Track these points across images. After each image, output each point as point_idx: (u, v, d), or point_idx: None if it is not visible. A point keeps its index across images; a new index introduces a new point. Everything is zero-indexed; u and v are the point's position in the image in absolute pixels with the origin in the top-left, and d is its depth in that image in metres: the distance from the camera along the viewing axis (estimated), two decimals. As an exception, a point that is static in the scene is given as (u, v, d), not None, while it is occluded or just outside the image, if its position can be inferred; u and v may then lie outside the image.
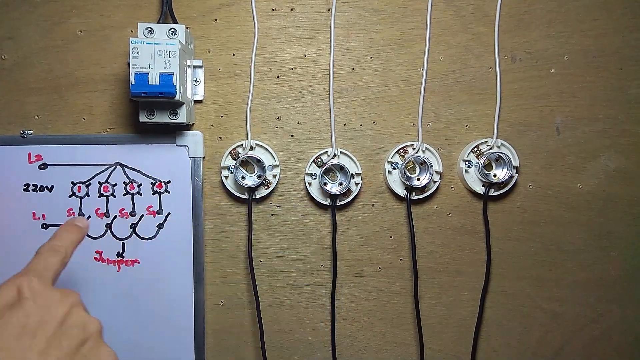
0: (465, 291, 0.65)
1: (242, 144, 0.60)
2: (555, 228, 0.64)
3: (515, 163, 0.61)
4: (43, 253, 0.39)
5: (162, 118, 0.56)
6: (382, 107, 0.62)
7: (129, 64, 0.51)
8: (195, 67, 0.60)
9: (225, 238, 0.63)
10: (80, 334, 0.35)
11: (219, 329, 0.63)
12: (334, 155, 0.61)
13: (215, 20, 0.60)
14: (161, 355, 0.61)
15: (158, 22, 0.55)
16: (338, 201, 0.62)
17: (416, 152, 0.61)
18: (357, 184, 0.61)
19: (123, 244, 0.60)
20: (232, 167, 0.60)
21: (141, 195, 0.60)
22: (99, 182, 0.60)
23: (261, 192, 0.61)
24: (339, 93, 0.62)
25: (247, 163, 0.61)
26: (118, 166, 0.60)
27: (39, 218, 0.59)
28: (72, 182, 0.59)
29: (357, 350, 0.65)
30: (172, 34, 0.53)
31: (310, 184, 0.61)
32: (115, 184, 0.60)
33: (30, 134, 0.59)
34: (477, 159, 0.61)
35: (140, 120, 0.56)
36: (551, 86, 0.63)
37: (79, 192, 0.60)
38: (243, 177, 0.61)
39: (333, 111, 0.61)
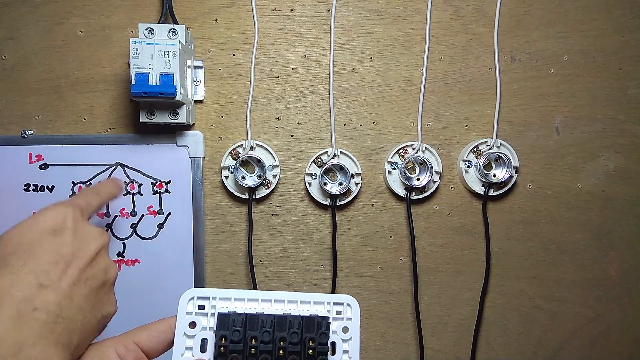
0: (465, 291, 0.65)
1: (242, 144, 0.60)
2: (554, 228, 0.64)
3: (515, 163, 0.61)
4: (87, 192, 0.41)
5: (163, 118, 0.56)
6: (382, 107, 0.62)
7: (129, 64, 0.51)
8: (195, 67, 0.60)
9: (225, 238, 0.63)
10: (102, 276, 0.37)
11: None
12: (334, 155, 0.61)
13: (216, 20, 0.60)
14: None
15: (158, 23, 0.55)
16: (338, 201, 0.62)
17: (416, 152, 0.61)
18: (357, 184, 0.61)
19: (123, 243, 0.60)
20: (233, 167, 0.60)
21: (142, 195, 0.60)
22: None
23: (261, 192, 0.61)
24: (339, 93, 0.62)
25: (247, 163, 0.61)
26: (118, 166, 0.60)
27: (40, 218, 0.59)
28: (73, 182, 0.59)
29: (357, 349, 0.65)
30: (172, 34, 0.54)
31: (310, 184, 0.62)
32: (116, 184, 0.60)
33: (31, 134, 0.60)
34: (477, 159, 0.62)
35: (141, 120, 0.56)
36: (551, 86, 0.63)
37: (80, 192, 0.60)
38: (243, 177, 0.61)
39: (333, 111, 0.61)
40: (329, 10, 0.61)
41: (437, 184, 0.62)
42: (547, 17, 0.62)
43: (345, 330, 0.40)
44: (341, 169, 0.62)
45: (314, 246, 0.63)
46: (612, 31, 0.63)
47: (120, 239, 0.60)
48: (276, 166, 0.61)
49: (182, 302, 0.39)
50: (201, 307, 0.39)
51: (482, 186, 0.62)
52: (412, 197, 0.62)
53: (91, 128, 0.60)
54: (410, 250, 0.63)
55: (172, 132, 0.60)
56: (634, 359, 0.67)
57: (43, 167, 0.59)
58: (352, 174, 0.60)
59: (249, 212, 0.61)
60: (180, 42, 0.52)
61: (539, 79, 0.63)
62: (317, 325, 0.39)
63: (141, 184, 0.60)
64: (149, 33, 0.53)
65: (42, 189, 0.59)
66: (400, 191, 0.62)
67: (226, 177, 0.61)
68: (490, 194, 0.62)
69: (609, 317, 0.66)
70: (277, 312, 0.39)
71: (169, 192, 0.60)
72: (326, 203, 0.62)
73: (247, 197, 0.61)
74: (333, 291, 0.63)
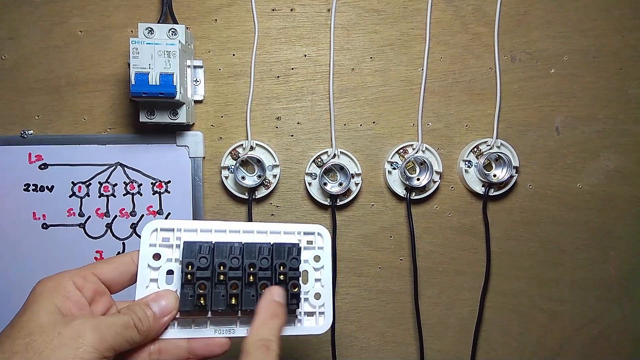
0: (465, 291, 0.65)
1: (242, 144, 0.60)
2: (554, 228, 0.64)
3: (515, 163, 0.61)
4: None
5: (162, 118, 0.56)
6: (382, 107, 0.62)
7: (129, 64, 0.51)
8: (195, 67, 0.60)
9: (226, 238, 0.63)
10: None
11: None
12: (334, 155, 0.61)
13: (216, 20, 0.60)
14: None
15: (158, 22, 0.55)
16: (338, 201, 0.62)
17: (416, 152, 0.61)
18: (357, 184, 0.61)
19: (123, 243, 0.60)
20: (232, 167, 0.60)
21: (141, 195, 0.60)
22: (99, 182, 0.60)
23: (261, 192, 0.61)
24: (339, 93, 0.62)
25: (247, 163, 0.61)
26: (118, 166, 0.60)
27: (39, 218, 0.59)
28: (73, 182, 0.59)
29: (357, 350, 0.65)
30: (172, 34, 0.54)
31: (310, 184, 0.61)
32: (116, 184, 0.60)
33: (31, 134, 0.59)
34: (477, 159, 0.62)
35: (141, 120, 0.56)
36: (551, 86, 0.63)
37: (79, 192, 0.60)
38: (243, 177, 0.61)
39: (333, 111, 0.61)
40: (329, 10, 0.61)
41: (437, 184, 0.62)
42: (547, 17, 0.62)
43: (317, 259, 0.39)
44: (341, 169, 0.61)
45: (314, 246, 0.63)
46: (612, 31, 0.62)
47: (120, 239, 0.60)
48: (276, 166, 0.61)
49: (144, 233, 0.38)
50: (166, 240, 0.38)
51: (483, 186, 0.62)
52: (412, 197, 0.62)
53: (91, 128, 0.60)
54: (411, 250, 0.63)
55: (172, 132, 0.60)
56: (633, 359, 0.67)
57: (43, 167, 0.59)
58: (352, 174, 0.60)
59: (248, 212, 0.61)
60: (180, 41, 0.52)
61: (539, 78, 0.62)
62: (288, 251, 0.38)
63: (141, 184, 0.60)
64: (148, 33, 0.53)
65: (42, 189, 0.59)
66: (401, 191, 0.62)
67: (226, 177, 0.61)
68: (491, 194, 0.62)
69: (608, 317, 0.66)
70: (246, 240, 0.38)
71: (169, 192, 0.60)
72: (326, 203, 0.62)
73: (247, 197, 0.61)
74: (333, 291, 0.63)
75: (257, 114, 0.61)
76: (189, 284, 0.36)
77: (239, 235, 0.39)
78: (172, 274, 0.38)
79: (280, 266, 0.37)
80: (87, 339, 0.31)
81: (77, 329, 0.31)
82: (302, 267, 0.38)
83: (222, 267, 0.36)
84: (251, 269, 0.37)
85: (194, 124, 0.61)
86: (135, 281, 0.37)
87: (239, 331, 0.38)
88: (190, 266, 0.36)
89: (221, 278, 0.36)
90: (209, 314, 0.37)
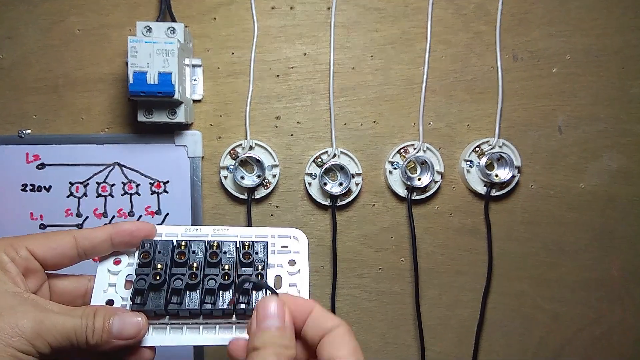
0: (467, 292, 0.64)
1: (241, 144, 0.60)
2: (556, 228, 0.64)
3: (517, 163, 0.61)
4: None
5: (161, 117, 0.55)
6: (382, 106, 0.62)
7: (127, 63, 0.51)
8: (194, 66, 0.59)
9: (225, 238, 0.62)
10: None
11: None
12: (334, 155, 0.61)
13: (215, 18, 0.60)
14: (161, 354, 0.61)
15: (157, 21, 0.55)
16: (338, 201, 0.61)
17: (417, 152, 0.61)
18: (357, 184, 0.61)
19: (121, 244, 0.60)
20: (231, 167, 0.60)
21: (139, 195, 0.60)
22: (97, 182, 0.59)
23: (261, 192, 0.61)
24: (339, 92, 0.61)
25: (247, 163, 0.61)
26: (116, 166, 0.59)
27: (37, 218, 0.59)
28: (70, 182, 0.59)
29: (357, 351, 0.65)
30: (170, 32, 0.53)
31: (310, 184, 0.61)
32: (114, 184, 0.59)
33: (28, 133, 0.59)
34: (479, 158, 0.61)
35: (139, 119, 0.55)
36: (553, 85, 0.62)
37: (77, 192, 0.59)
38: (242, 177, 0.60)
39: (333, 110, 0.61)
40: (329, 9, 0.60)
41: (438, 184, 0.61)
42: (549, 16, 0.62)
43: (291, 263, 0.37)
44: (341, 168, 0.61)
45: (314, 247, 0.63)
46: (614, 30, 0.62)
47: (118, 239, 0.60)
48: (275, 166, 0.60)
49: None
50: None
51: (484, 186, 0.62)
52: (413, 197, 0.62)
53: (89, 127, 0.60)
54: (411, 250, 0.62)
55: (171, 132, 0.59)
56: (636, 360, 0.67)
57: (40, 166, 0.59)
58: (352, 174, 0.60)
59: (248, 212, 0.61)
60: (178, 40, 0.52)
61: (541, 78, 0.62)
62: (252, 245, 0.36)
63: (139, 184, 0.59)
64: (147, 31, 0.53)
65: (40, 189, 0.59)
66: (401, 191, 0.62)
67: (225, 177, 0.60)
68: (492, 194, 0.62)
69: (610, 318, 0.66)
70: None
71: (167, 192, 0.60)
72: (326, 203, 0.61)
73: (246, 197, 0.60)
74: (333, 292, 0.63)
75: (257, 113, 0.61)
76: (145, 266, 0.35)
77: (207, 238, 0.38)
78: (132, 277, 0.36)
79: (245, 255, 0.36)
80: (25, 331, 0.29)
81: (17, 316, 0.29)
82: (275, 271, 0.37)
83: (181, 257, 0.35)
84: (214, 258, 0.35)
85: (192, 123, 0.60)
86: (73, 263, 0.35)
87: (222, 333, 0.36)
88: (145, 254, 0.35)
89: (179, 260, 0.35)
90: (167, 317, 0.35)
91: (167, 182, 0.60)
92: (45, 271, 0.35)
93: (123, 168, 0.59)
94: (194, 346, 0.60)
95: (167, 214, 0.60)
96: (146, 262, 0.35)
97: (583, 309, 0.66)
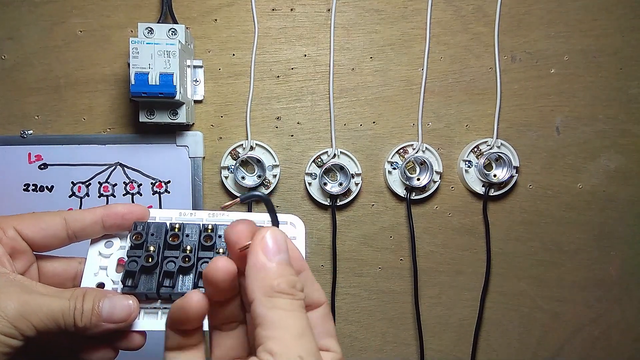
0: (466, 291, 0.65)
1: (242, 144, 0.60)
2: (555, 228, 0.64)
3: (515, 163, 0.61)
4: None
5: (162, 118, 0.56)
6: (382, 107, 0.62)
7: (129, 64, 0.51)
8: (195, 67, 0.60)
9: (225, 238, 0.62)
10: None
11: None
12: (334, 155, 0.61)
13: (215, 20, 0.60)
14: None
15: (158, 22, 0.55)
16: (338, 201, 0.61)
17: (416, 152, 0.61)
18: (357, 184, 0.61)
19: (123, 244, 0.60)
20: (232, 167, 0.60)
21: (141, 195, 0.60)
22: (99, 182, 0.60)
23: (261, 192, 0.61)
24: (339, 93, 0.62)
25: (247, 163, 0.61)
26: (118, 166, 0.60)
27: (39, 218, 0.59)
28: (72, 182, 0.59)
29: (357, 350, 0.65)
30: (172, 34, 0.53)
31: (310, 184, 0.61)
32: (115, 184, 0.60)
33: (30, 134, 0.59)
34: (477, 159, 0.61)
35: (140, 120, 0.56)
36: (551, 86, 0.63)
37: (79, 192, 0.60)
38: (243, 177, 0.61)
39: (333, 111, 0.61)
40: (329, 10, 0.61)
41: (437, 184, 0.62)
42: (547, 17, 0.62)
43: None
44: (341, 169, 0.61)
45: (314, 246, 0.63)
46: (612, 31, 0.62)
47: (119, 239, 0.60)
48: (276, 166, 0.60)
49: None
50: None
51: (483, 186, 0.62)
52: (412, 197, 0.62)
53: (91, 128, 0.60)
54: (411, 250, 0.62)
55: (172, 132, 0.60)
56: (634, 359, 0.67)
57: (42, 167, 0.59)
58: (352, 174, 0.60)
59: (249, 212, 0.61)
60: (179, 41, 0.52)
61: (540, 78, 0.62)
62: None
63: (141, 184, 0.60)
64: (148, 33, 0.53)
65: (42, 189, 0.59)
66: (401, 191, 0.62)
67: (226, 177, 0.60)
68: (491, 194, 0.62)
69: (609, 318, 0.66)
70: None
71: (169, 192, 0.60)
72: (326, 203, 0.62)
73: (247, 197, 0.61)
74: (333, 292, 0.63)
75: (257, 114, 0.61)
76: (137, 248, 0.34)
77: (202, 222, 0.36)
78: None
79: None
80: (8, 313, 0.28)
81: (0, 297, 0.28)
82: None
83: (175, 239, 0.34)
84: (208, 242, 0.34)
85: (193, 123, 0.61)
86: (64, 245, 0.34)
87: None
88: (137, 236, 0.34)
89: (171, 241, 0.34)
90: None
91: (169, 182, 0.60)
92: (34, 253, 0.33)
93: (125, 168, 0.60)
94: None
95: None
96: (138, 244, 0.34)
97: (582, 309, 0.66)
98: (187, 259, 0.34)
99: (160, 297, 0.34)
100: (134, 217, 0.35)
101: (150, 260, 0.33)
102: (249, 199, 0.30)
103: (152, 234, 0.34)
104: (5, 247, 0.31)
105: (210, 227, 0.35)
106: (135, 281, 0.33)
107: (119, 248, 0.35)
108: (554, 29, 0.62)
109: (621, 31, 0.62)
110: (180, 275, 0.34)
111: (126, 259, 0.34)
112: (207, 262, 0.34)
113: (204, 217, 0.37)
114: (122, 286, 0.33)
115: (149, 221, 0.35)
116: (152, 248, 0.33)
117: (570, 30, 0.62)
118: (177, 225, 0.35)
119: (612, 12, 0.62)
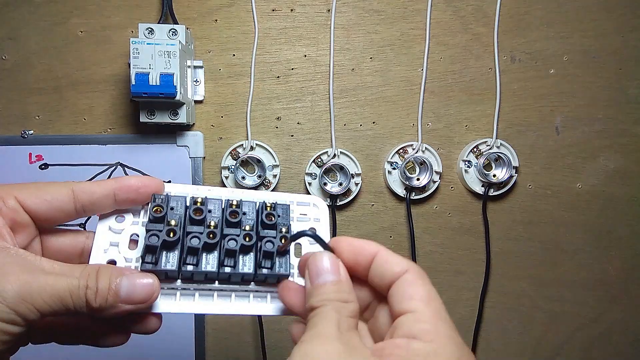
0: (465, 291, 0.65)
1: (242, 144, 0.60)
2: (554, 228, 0.64)
3: (515, 163, 0.61)
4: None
5: (163, 118, 0.56)
6: (381, 107, 0.62)
7: (129, 65, 0.51)
8: (195, 67, 0.60)
9: (226, 238, 0.63)
10: None
11: (219, 329, 0.63)
12: (334, 155, 0.61)
13: (216, 20, 0.60)
14: (162, 353, 0.61)
15: (158, 23, 0.55)
16: (338, 201, 0.62)
17: (416, 152, 0.61)
18: (357, 184, 0.61)
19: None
20: (233, 167, 0.60)
21: (141, 195, 0.60)
22: (100, 182, 0.60)
23: (261, 192, 0.61)
24: (339, 93, 0.62)
25: (248, 163, 0.61)
26: (118, 166, 0.60)
27: (40, 218, 0.59)
28: (73, 182, 0.59)
29: (357, 350, 0.65)
30: (172, 34, 0.54)
31: (310, 184, 0.62)
32: (116, 184, 0.60)
33: (31, 134, 0.60)
34: (477, 159, 0.62)
35: (141, 120, 0.56)
36: (551, 86, 0.63)
37: (80, 192, 0.60)
38: (243, 177, 0.61)
39: (333, 111, 0.61)
40: (329, 11, 0.61)
41: (437, 184, 0.62)
42: (547, 17, 0.62)
43: (311, 230, 0.33)
44: (341, 169, 0.62)
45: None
46: (612, 31, 0.63)
47: (120, 239, 0.60)
48: (276, 166, 0.61)
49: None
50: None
51: (482, 186, 0.62)
52: (412, 197, 0.62)
53: (91, 128, 0.60)
54: (410, 250, 0.63)
55: (172, 132, 0.60)
56: (634, 359, 0.67)
57: (43, 167, 0.59)
58: (352, 174, 0.60)
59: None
60: (180, 42, 0.52)
61: (539, 79, 0.63)
62: (275, 207, 0.33)
63: (141, 184, 0.60)
64: (149, 33, 0.53)
65: (42, 189, 0.59)
66: (400, 191, 0.62)
67: (226, 177, 0.61)
68: (490, 194, 0.62)
69: (609, 317, 0.66)
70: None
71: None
72: (326, 203, 0.62)
73: (247, 197, 0.61)
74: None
75: (257, 114, 0.61)
76: (156, 221, 0.31)
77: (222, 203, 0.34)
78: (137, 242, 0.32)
79: (268, 216, 0.32)
80: (7, 296, 0.25)
81: None
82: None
83: (197, 213, 0.31)
84: (233, 218, 0.32)
85: (194, 124, 0.61)
86: (71, 219, 0.31)
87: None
88: (158, 208, 0.31)
89: (195, 217, 0.31)
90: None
91: (169, 182, 0.60)
92: (37, 226, 0.30)
93: (125, 168, 0.60)
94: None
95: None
96: (158, 218, 0.30)
97: (581, 309, 0.66)
98: (212, 235, 0.31)
99: (181, 276, 0.31)
100: (149, 192, 0.32)
101: (172, 235, 0.30)
102: (299, 237, 0.31)
103: (172, 208, 0.31)
104: (5, 219, 0.28)
105: (235, 202, 0.32)
106: (156, 257, 0.30)
107: (132, 223, 0.32)
108: (554, 29, 0.62)
109: (620, 31, 0.63)
110: (205, 253, 0.31)
111: (140, 235, 0.31)
112: (234, 239, 0.31)
113: (224, 193, 0.34)
114: (141, 262, 0.30)
115: (166, 193, 0.33)
116: (173, 222, 0.30)
117: (570, 31, 0.62)
118: (199, 200, 0.32)
119: (612, 13, 0.62)
